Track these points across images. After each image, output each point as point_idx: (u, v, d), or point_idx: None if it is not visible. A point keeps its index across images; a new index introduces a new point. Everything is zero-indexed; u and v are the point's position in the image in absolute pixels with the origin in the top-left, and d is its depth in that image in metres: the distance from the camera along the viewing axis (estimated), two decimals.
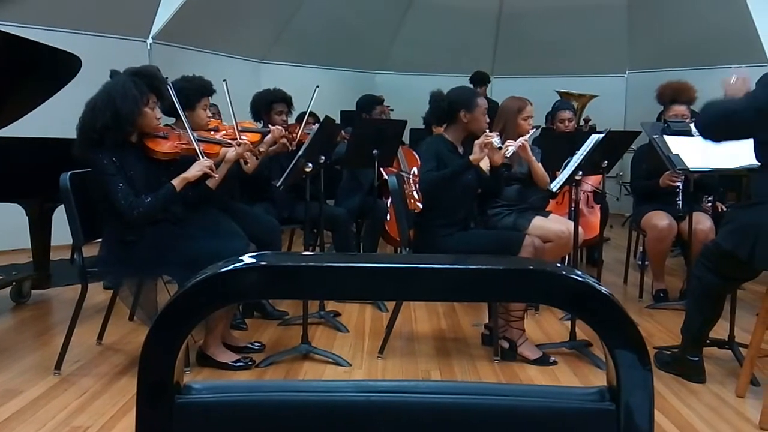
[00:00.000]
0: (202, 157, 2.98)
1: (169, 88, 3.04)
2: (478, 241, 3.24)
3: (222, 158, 3.12)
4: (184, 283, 0.61)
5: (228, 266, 0.60)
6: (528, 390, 0.67)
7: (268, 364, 3.06)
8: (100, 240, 3.04)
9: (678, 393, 2.80)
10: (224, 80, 3.35)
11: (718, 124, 2.63)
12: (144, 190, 2.84)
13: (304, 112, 4.14)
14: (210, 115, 3.38)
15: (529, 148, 3.35)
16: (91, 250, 3.05)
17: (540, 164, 3.49)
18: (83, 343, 3.29)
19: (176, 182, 2.88)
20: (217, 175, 2.98)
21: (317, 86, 3.86)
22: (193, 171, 2.91)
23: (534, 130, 3.52)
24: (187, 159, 3.00)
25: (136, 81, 2.85)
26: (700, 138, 2.84)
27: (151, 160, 2.95)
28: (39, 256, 4.06)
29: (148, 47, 6.32)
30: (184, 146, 3.01)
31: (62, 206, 3.04)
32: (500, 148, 3.16)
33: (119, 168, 2.79)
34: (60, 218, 3.38)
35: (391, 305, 3.70)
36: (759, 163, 2.64)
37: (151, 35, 6.34)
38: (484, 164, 3.20)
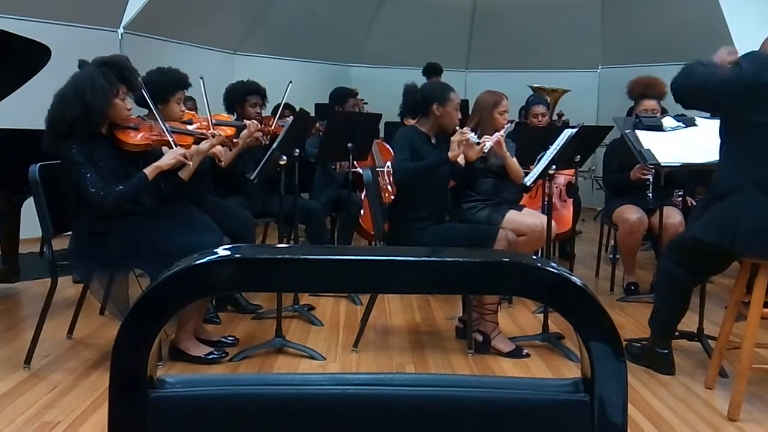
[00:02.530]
0: (175, 147, 2.94)
1: (140, 82, 3.00)
2: (452, 234, 3.25)
3: (195, 150, 3.09)
4: (156, 277, 0.60)
5: (202, 258, 0.59)
6: (503, 382, 0.67)
7: (241, 358, 3.04)
8: (69, 233, 2.99)
9: (648, 384, 2.85)
10: (201, 77, 3.30)
11: (700, 90, 2.60)
12: (114, 182, 2.79)
13: (279, 104, 4.11)
14: (184, 108, 3.34)
15: (504, 144, 3.37)
16: (60, 243, 3.00)
17: (515, 159, 3.52)
18: (53, 337, 3.24)
19: (149, 171, 2.83)
20: (191, 163, 2.94)
21: (290, 82, 3.84)
22: (167, 159, 2.88)
23: (509, 124, 3.54)
24: (159, 151, 2.97)
25: (104, 71, 2.79)
26: (670, 131, 2.87)
27: (121, 152, 2.90)
28: (7, 249, 3.98)
29: (119, 37, 6.22)
30: (155, 138, 2.97)
31: (31, 198, 2.99)
32: (478, 143, 3.18)
33: (89, 158, 2.74)
34: (29, 211, 3.32)
35: (365, 299, 3.70)
36: (725, 154, 2.65)
37: (122, 25, 6.23)
38: (460, 158, 3.22)
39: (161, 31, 6.59)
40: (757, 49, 2.64)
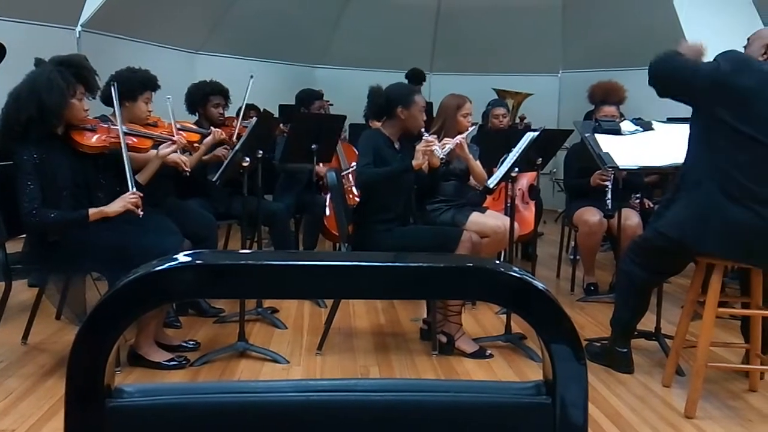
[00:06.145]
0: (126, 153, 2.85)
1: (112, 87, 2.97)
2: (417, 236, 3.27)
3: (154, 154, 3.04)
4: (114, 281, 0.59)
5: (162, 265, 0.58)
6: (466, 385, 0.67)
7: (203, 363, 3.00)
8: (24, 236, 2.92)
9: (607, 383, 2.90)
10: (168, 97, 3.26)
11: (673, 78, 2.66)
12: (69, 184, 2.72)
13: (242, 106, 4.08)
14: (151, 109, 3.28)
15: (466, 147, 3.40)
16: (14, 246, 2.92)
17: (478, 162, 3.55)
18: (7, 342, 3.15)
19: (92, 212, 2.70)
20: (140, 212, 2.77)
21: (252, 76, 3.80)
22: (115, 206, 2.73)
23: (473, 127, 3.57)
24: (117, 153, 2.90)
25: (62, 71, 2.72)
26: (628, 135, 2.92)
27: (77, 154, 2.82)
28: None
29: (77, 35, 6.07)
30: (113, 140, 2.89)
31: None
32: (443, 159, 3.21)
33: (37, 167, 2.65)
34: None
35: (329, 301, 3.68)
36: (691, 149, 2.68)
37: (80, 23, 6.09)
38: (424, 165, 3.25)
39: (120, 30, 6.46)
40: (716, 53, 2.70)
